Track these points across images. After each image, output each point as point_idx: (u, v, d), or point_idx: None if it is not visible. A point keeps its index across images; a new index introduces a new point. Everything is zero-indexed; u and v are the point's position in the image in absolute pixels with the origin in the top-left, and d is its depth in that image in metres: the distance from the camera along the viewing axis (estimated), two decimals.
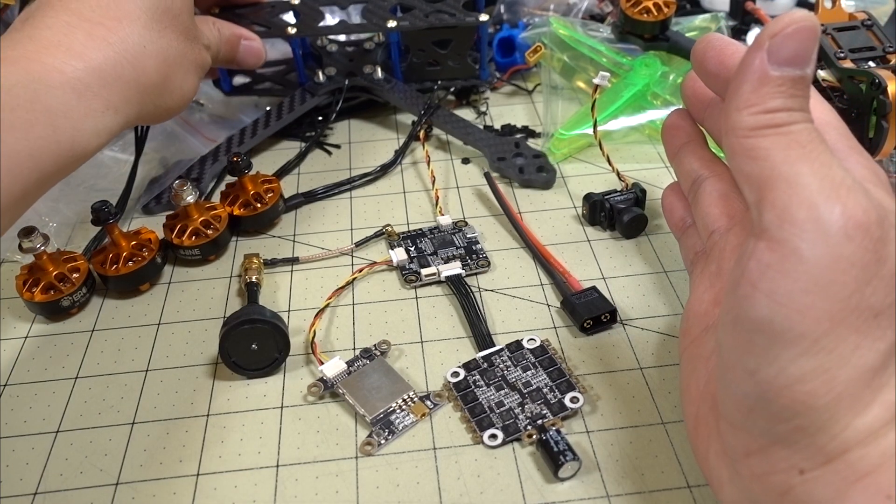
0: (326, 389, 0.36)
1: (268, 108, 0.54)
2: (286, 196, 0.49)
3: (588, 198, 0.45)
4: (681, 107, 0.35)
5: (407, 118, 0.57)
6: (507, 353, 0.37)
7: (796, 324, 0.21)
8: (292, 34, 0.53)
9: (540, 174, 0.48)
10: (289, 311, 0.41)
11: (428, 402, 0.35)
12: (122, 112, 0.37)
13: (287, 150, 0.55)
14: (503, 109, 0.57)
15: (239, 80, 0.57)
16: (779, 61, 0.23)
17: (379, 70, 0.55)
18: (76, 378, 0.38)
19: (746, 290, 0.23)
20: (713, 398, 0.27)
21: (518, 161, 0.49)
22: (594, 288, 0.40)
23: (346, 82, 0.55)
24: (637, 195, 0.45)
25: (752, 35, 0.58)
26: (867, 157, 0.26)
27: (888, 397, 0.22)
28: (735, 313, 0.23)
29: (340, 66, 0.56)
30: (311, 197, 0.49)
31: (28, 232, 0.40)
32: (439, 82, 0.56)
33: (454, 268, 0.42)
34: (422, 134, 0.54)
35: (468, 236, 0.45)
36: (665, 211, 0.36)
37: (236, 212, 0.46)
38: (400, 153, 0.52)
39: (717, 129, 0.32)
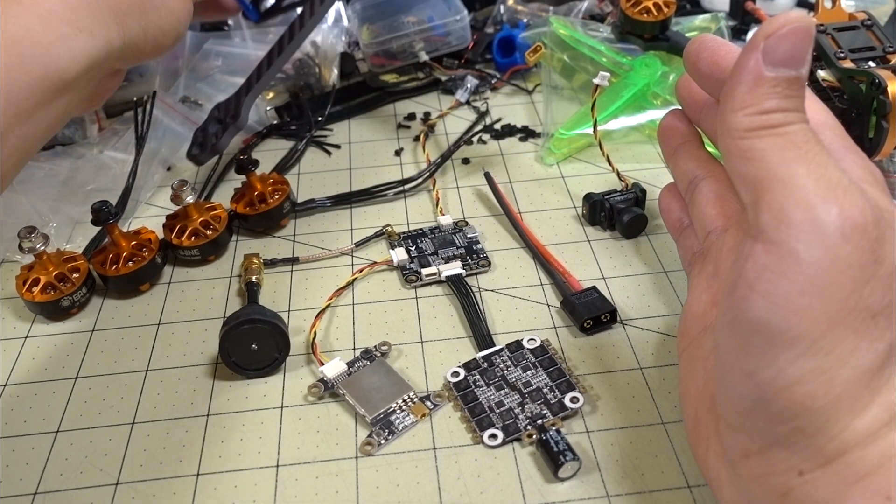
0: (327, 390, 0.36)
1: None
2: (299, 201, 0.48)
3: (588, 198, 0.45)
4: (677, 107, 0.35)
5: (408, 113, 0.57)
6: (507, 353, 0.37)
7: (794, 325, 0.21)
8: None
9: None
10: (289, 311, 0.41)
11: (428, 403, 0.35)
12: (100, 34, 0.35)
13: (287, 150, 0.55)
14: (503, 109, 0.57)
15: (266, 3, 0.53)
16: (774, 62, 0.23)
17: None
18: (76, 378, 0.38)
19: (744, 292, 0.22)
20: (712, 399, 0.27)
21: None
22: (594, 288, 0.40)
23: None
24: (637, 195, 0.45)
25: (751, 35, 0.58)
26: (863, 156, 0.26)
27: (887, 398, 0.22)
28: (732, 315, 0.23)
29: None
30: (326, 203, 0.48)
31: (28, 232, 0.40)
32: None
33: (454, 268, 0.42)
34: (422, 137, 0.54)
35: (469, 236, 0.45)
36: (662, 212, 0.36)
37: (240, 209, 0.46)
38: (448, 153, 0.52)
39: (713, 130, 0.32)
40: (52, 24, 0.33)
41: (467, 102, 0.58)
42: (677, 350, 0.31)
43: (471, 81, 0.59)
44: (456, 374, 0.36)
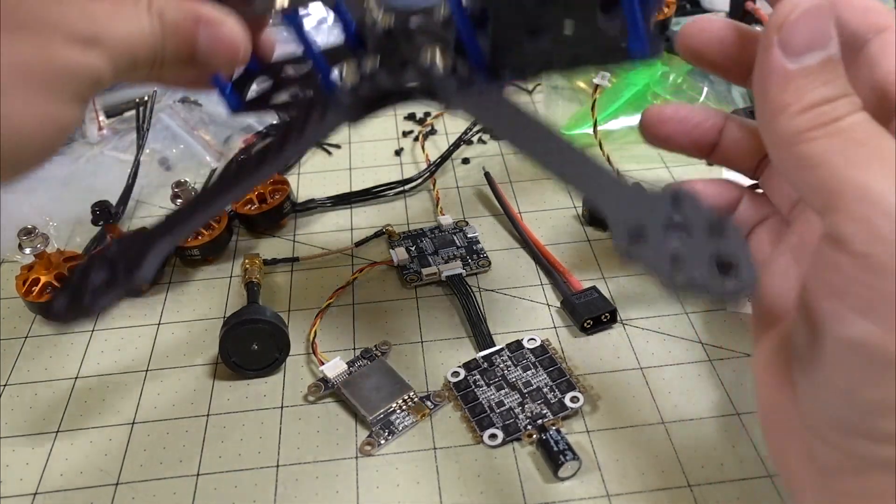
0: (327, 389, 0.36)
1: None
2: (299, 201, 0.48)
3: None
4: (668, 104, 0.28)
5: (408, 113, 0.57)
6: (508, 353, 0.37)
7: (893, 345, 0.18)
8: (286, 6, 0.30)
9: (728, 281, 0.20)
10: (289, 311, 0.41)
11: (428, 403, 0.35)
12: None
13: None
14: None
15: (255, 88, 0.33)
16: (795, 52, 0.20)
17: (439, 56, 0.30)
18: (76, 378, 0.38)
19: (833, 307, 0.20)
20: (795, 391, 0.23)
21: (673, 243, 0.20)
22: (594, 288, 0.40)
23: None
24: None
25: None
26: None
27: None
28: (822, 329, 0.20)
29: (384, 53, 0.32)
30: (326, 203, 0.48)
31: (28, 232, 0.40)
32: (551, 67, 0.29)
33: (454, 268, 0.42)
34: (421, 137, 0.54)
35: (469, 236, 0.45)
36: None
37: (240, 209, 0.46)
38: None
39: None
40: None
41: None
42: (752, 332, 0.26)
43: None
44: (456, 373, 0.36)
